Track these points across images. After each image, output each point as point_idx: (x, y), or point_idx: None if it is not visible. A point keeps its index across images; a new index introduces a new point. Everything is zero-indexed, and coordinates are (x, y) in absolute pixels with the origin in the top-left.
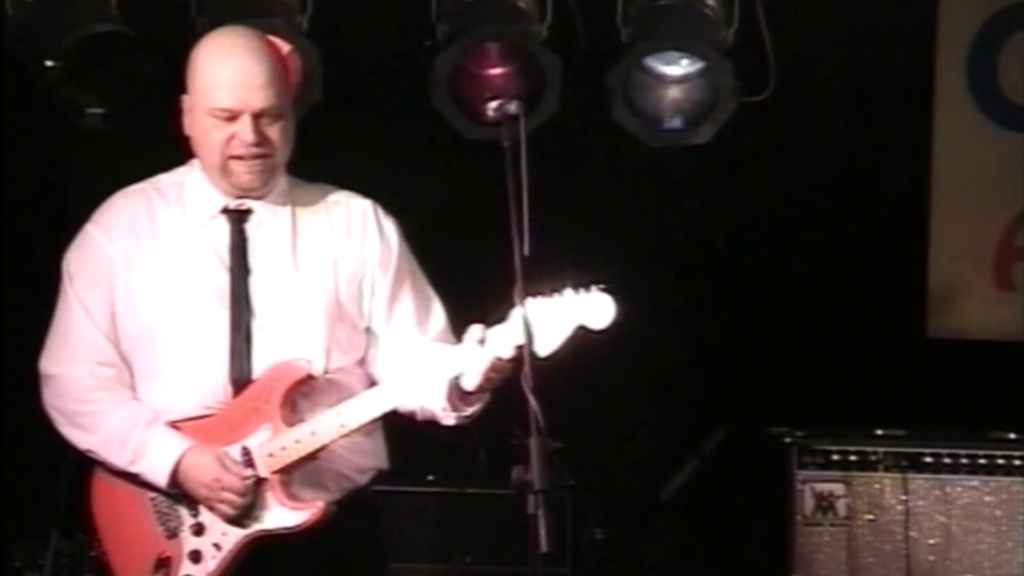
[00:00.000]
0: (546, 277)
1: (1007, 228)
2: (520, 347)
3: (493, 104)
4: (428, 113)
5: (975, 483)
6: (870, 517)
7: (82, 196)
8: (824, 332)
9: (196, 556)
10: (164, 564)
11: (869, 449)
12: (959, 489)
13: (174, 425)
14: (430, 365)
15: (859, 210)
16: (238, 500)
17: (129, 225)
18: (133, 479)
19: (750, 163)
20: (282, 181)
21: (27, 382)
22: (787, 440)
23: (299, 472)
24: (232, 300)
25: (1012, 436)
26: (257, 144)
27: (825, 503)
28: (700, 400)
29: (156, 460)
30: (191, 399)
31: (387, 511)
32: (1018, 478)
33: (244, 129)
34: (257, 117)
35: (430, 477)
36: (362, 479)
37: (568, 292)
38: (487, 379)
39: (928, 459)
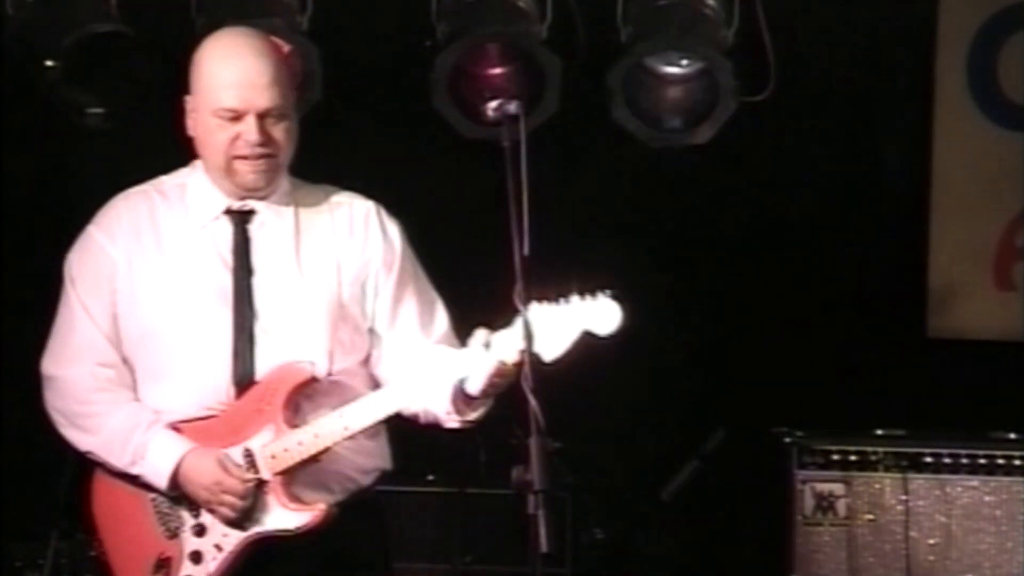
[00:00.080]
0: (546, 277)
1: (1007, 228)
2: (529, 356)
3: (493, 104)
4: (428, 113)
5: (975, 483)
6: (870, 517)
7: (82, 196)
8: (824, 332)
9: (197, 557)
10: (164, 564)
11: (869, 449)
12: (959, 489)
13: (176, 426)
14: (435, 368)
15: (859, 210)
16: (238, 503)
17: (131, 226)
18: (134, 480)
19: (750, 163)
20: (285, 182)
21: (27, 382)
22: (787, 440)
23: (302, 473)
24: (235, 301)
25: (1012, 436)
26: (262, 144)
27: (825, 503)
28: (700, 400)
29: (157, 462)
30: (194, 400)
31: (387, 511)
32: (1018, 478)
33: (249, 129)
34: (262, 117)
35: (430, 477)
36: (366, 480)
37: (574, 298)
38: (491, 384)
39: (928, 459)
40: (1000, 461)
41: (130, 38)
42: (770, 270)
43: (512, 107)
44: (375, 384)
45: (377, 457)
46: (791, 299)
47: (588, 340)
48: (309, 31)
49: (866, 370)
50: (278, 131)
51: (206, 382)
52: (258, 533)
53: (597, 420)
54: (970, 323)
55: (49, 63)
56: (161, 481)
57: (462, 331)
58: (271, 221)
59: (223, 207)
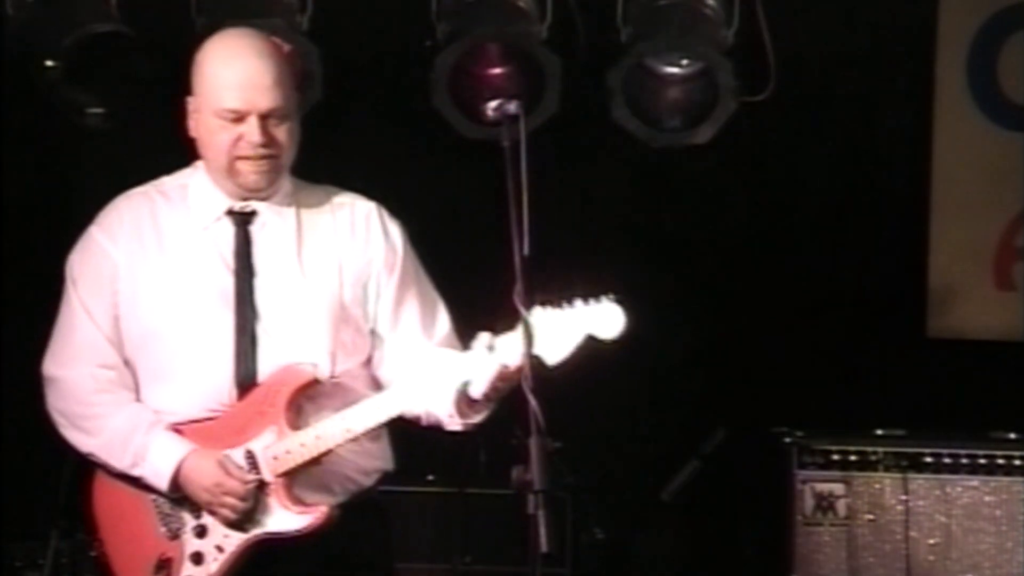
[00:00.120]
0: (546, 277)
1: (1007, 228)
2: (533, 356)
3: (493, 104)
4: (428, 113)
5: (975, 483)
6: (870, 517)
7: (82, 196)
8: (824, 332)
9: (198, 558)
10: (165, 565)
11: (869, 449)
12: (959, 489)
13: (178, 428)
14: (438, 371)
15: (859, 210)
16: (239, 504)
17: (132, 227)
18: (135, 482)
19: (750, 163)
20: (287, 183)
21: (27, 383)
22: (787, 440)
23: (303, 475)
24: (237, 302)
25: (1012, 436)
26: (264, 145)
27: (825, 503)
28: (700, 400)
29: (157, 464)
30: (196, 401)
31: (389, 511)
32: (1018, 478)
33: (251, 130)
34: (264, 118)
35: (430, 477)
36: (367, 481)
37: (578, 302)
38: (494, 388)
39: (928, 459)
40: (1000, 461)
41: (130, 38)
42: (770, 270)
43: (512, 107)
44: (377, 386)
45: (379, 458)
46: (791, 299)
47: (591, 344)
48: (309, 31)
49: (866, 370)
50: (280, 132)
51: (208, 383)
52: (260, 535)
53: (597, 420)
54: (970, 323)
55: (49, 63)
56: (162, 483)
57: (461, 331)
58: (273, 222)
59: (225, 208)
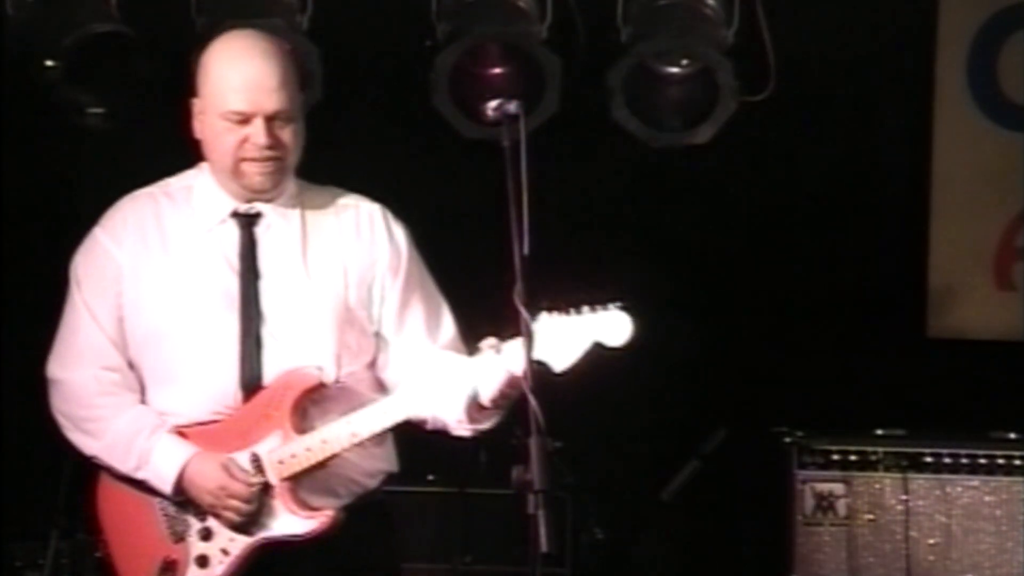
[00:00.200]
0: (546, 277)
1: (1007, 228)
2: (538, 362)
3: (493, 104)
4: (428, 113)
5: (975, 483)
6: (870, 517)
7: (82, 196)
8: (824, 332)
9: (203, 561)
10: (170, 567)
11: (869, 449)
12: (959, 489)
13: (183, 431)
14: (446, 376)
15: (859, 210)
16: (244, 507)
17: (137, 229)
18: (139, 485)
19: (750, 163)
20: (291, 184)
21: (27, 383)
22: (787, 440)
23: (309, 479)
24: (242, 305)
25: (1012, 436)
26: (270, 147)
27: (825, 503)
28: (700, 400)
29: (161, 467)
30: (201, 404)
31: (393, 512)
32: (1018, 478)
33: (257, 132)
34: (270, 120)
35: (430, 477)
36: (372, 483)
37: (585, 309)
38: (503, 394)
39: (928, 459)
40: (1000, 461)
41: (130, 38)
42: (770, 270)
43: (512, 107)
44: (381, 388)
45: (383, 460)
46: (791, 299)
47: (596, 349)
48: (309, 31)
49: (866, 370)
50: (286, 134)
51: (213, 386)
52: (265, 538)
53: (597, 420)
54: (970, 323)
55: (49, 63)
56: (165, 486)
57: (461, 331)
58: (277, 224)
59: (229, 210)
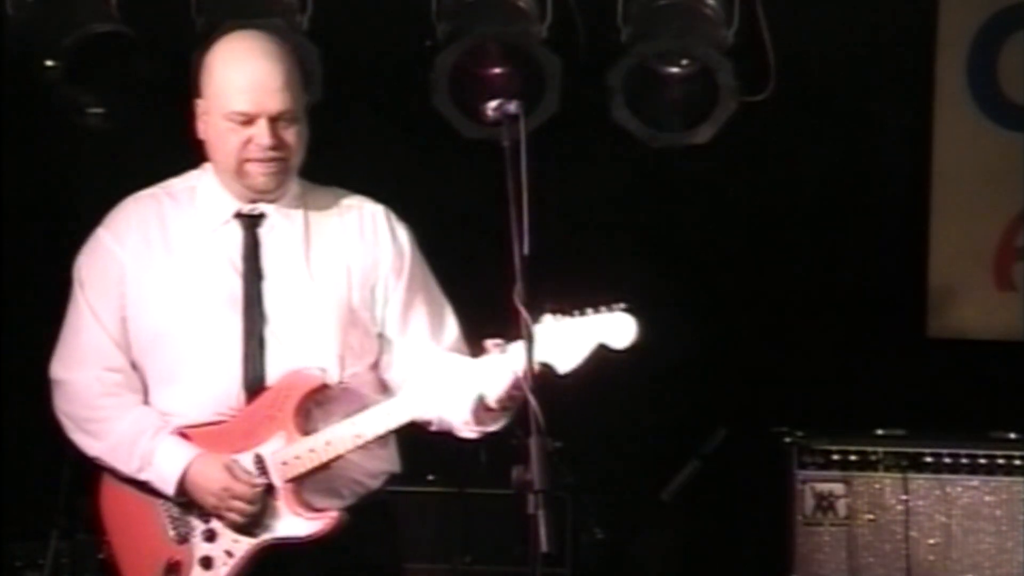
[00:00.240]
0: (546, 277)
1: (1007, 228)
2: (542, 364)
3: (493, 104)
4: (428, 113)
5: (975, 483)
6: (870, 517)
7: (82, 197)
8: (824, 332)
9: (207, 562)
10: (174, 569)
11: (869, 449)
12: (959, 489)
13: (186, 432)
14: (451, 378)
15: (859, 210)
16: (247, 508)
17: (140, 230)
18: (142, 486)
19: (750, 163)
20: (295, 185)
21: (27, 383)
22: (787, 440)
23: (312, 480)
24: (245, 306)
25: (1012, 436)
26: (274, 147)
27: (825, 503)
28: (700, 400)
29: (163, 468)
30: (205, 405)
31: (397, 512)
32: (1018, 478)
33: (261, 133)
34: (273, 120)
35: (430, 477)
36: (375, 484)
37: (589, 311)
38: (509, 395)
39: (928, 459)
40: (1000, 461)
41: (130, 38)
42: (770, 270)
43: (512, 107)
44: (384, 389)
45: (386, 461)
46: (791, 299)
47: (598, 351)
48: (309, 31)
49: (866, 370)
50: (289, 134)
51: (217, 387)
52: (269, 539)
53: (597, 420)
54: (970, 323)
55: (49, 63)
56: (168, 488)
57: (465, 333)
58: (281, 224)
59: (233, 210)
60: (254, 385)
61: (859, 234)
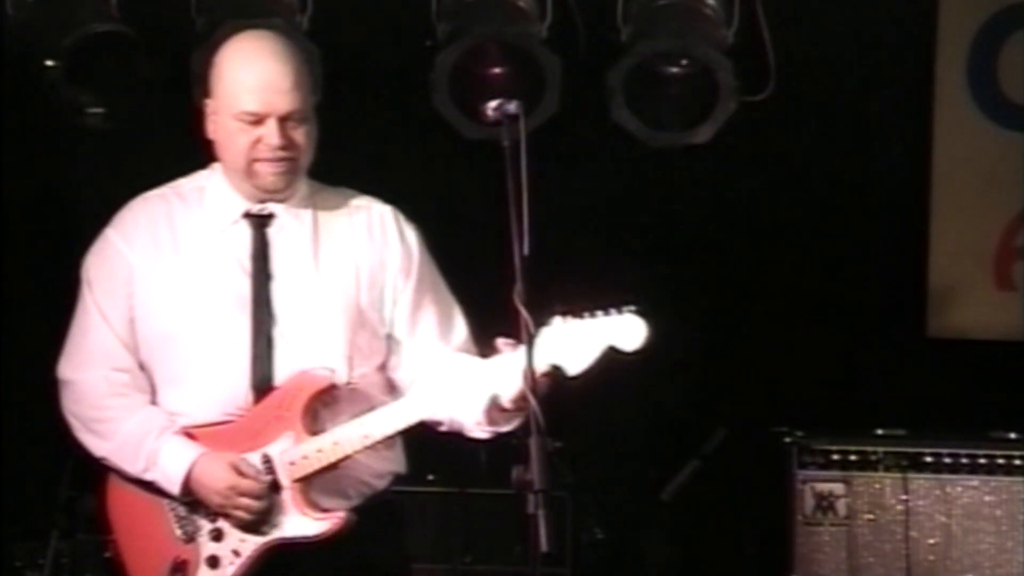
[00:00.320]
0: (546, 277)
1: (1007, 228)
2: (552, 366)
3: (493, 104)
4: (428, 113)
5: (975, 483)
6: (870, 517)
7: (82, 197)
8: (824, 332)
9: (214, 561)
10: (180, 568)
11: (869, 449)
12: (959, 489)
13: (193, 432)
14: (462, 379)
15: (859, 210)
16: (254, 505)
17: (149, 230)
18: (149, 486)
19: (750, 163)
20: (304, 185)
21: (28, 383)
22: (787, 440)
23: (319, 480)
24: (253, 306)
25: (1012, 436)
26: (283, 147)
27: (825, 503)
28: (700, 400)
29: (168, 468)
30: (212, 405)
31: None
32: (1018, 478)
33: (270, 133)
34: (283, 120)
35: (430, 477)
36: (381, 484)
37: (599, 313)
38: (523, 396)
39: (928, 459)
40: (1000, 461)
41: (130, 38)
42: (770, 270)
43: (512, 107)
44: (393, 390)
45: (392, 462)
46: (791, 299)
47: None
48: (309, 31)
49: (866, 370)
50: (299, 134)
51: (224, 387)
52: (276, 539)
53: (597, 420)
54: (970, 323)
55: (49, 63)
56: (173, 487)
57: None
58: (290, 225)
59: (242, 210)
60: (262, 385)
61: (859, 234)
